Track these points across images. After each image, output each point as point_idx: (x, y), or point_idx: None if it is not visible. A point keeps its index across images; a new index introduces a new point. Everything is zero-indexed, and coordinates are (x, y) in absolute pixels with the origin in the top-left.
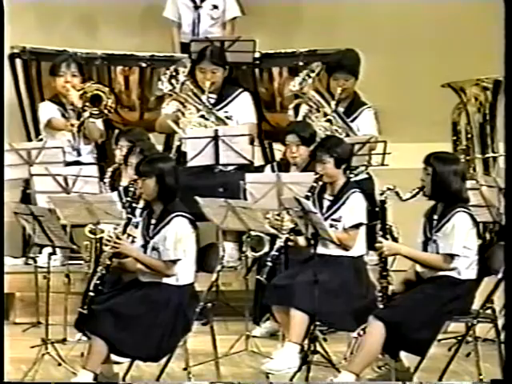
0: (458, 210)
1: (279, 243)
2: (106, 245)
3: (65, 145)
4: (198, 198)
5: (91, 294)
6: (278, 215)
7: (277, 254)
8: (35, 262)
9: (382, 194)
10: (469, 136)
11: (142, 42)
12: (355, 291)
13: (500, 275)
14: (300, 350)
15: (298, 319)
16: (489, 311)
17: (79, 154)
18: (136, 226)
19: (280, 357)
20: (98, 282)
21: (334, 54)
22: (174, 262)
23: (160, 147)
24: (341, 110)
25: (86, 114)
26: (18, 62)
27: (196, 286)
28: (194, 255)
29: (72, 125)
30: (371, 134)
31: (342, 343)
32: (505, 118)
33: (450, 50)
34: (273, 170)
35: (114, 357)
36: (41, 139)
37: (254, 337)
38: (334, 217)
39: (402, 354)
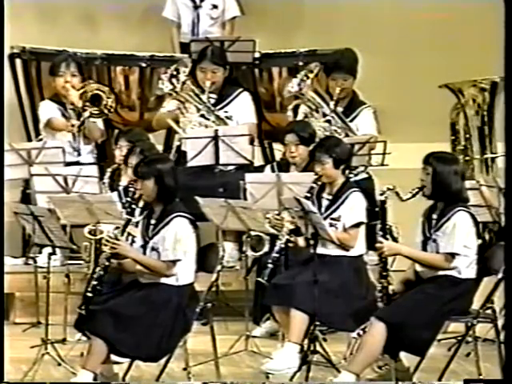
0: (459, 209)
1: (280, 244)
2: (105, 245)
3: (65, 145)
4: (198, 198)
5: (89, 294)
6: (278, 215)
7: (277, 255)
8: (35, 262)
9: (382, 194)
10: (467, 136)
11: (141, 42)
12: (355, 291)
13: (500, 275)
14: (300, 350)
15: (298, 319)
16: (489, 311)
17: (79, 154)
18: (137, 225)
19: (280, 357)
20: (96, 282)
21: (331, 54)
22: (174, 262)
23: (160, 147)
24: (340, 109)
25: (87, 114)
26: (18, 62)
27: (196, 286)
28: (193, 255)
29: (72, 125)
30: (370, 134)
31: (342, 343)
32: (505, 118)
33: (449, 51)
34: (273, 170)
35: (113, 357)
36: (41, 139)
37: (253, 337)
38: (333, 216)
39: (402, 354)
